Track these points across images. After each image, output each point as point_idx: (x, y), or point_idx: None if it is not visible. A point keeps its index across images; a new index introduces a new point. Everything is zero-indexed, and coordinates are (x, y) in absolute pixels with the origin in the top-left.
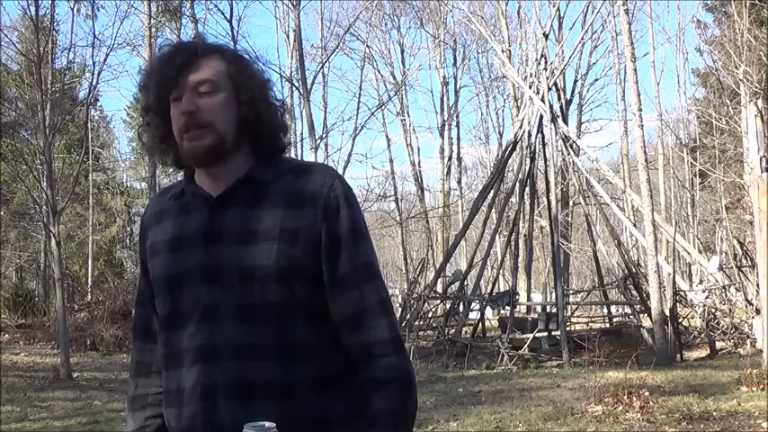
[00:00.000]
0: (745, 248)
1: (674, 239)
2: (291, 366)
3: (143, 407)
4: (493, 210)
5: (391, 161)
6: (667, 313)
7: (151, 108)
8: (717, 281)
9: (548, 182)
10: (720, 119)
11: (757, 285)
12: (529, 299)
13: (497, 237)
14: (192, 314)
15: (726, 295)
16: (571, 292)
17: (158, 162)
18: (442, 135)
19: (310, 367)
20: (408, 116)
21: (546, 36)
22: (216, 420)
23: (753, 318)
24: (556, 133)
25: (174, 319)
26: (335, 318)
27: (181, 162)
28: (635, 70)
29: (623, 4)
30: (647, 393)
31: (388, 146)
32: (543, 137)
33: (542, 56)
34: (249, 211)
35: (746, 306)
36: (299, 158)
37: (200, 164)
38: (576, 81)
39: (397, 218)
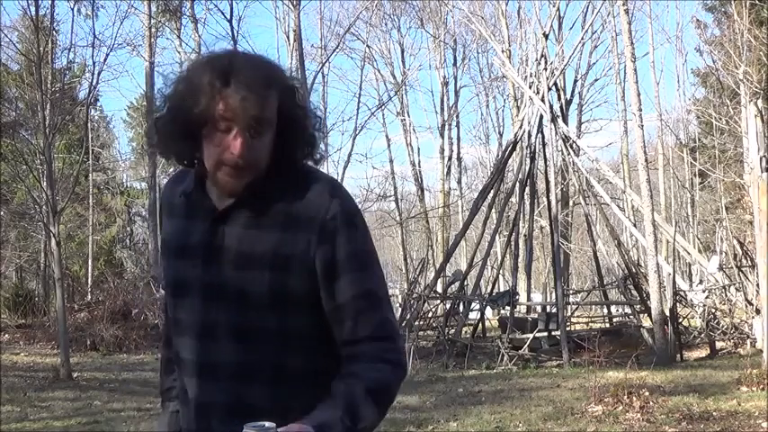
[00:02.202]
0: (745, 248)
1: (674, 239)
2: (287, 390)
3: (170, 371)
4: (493, 210)
5: (391, 161)
6: (667, 313)
7: (187, 113)
8: (717, 281)
9: (548, 182)
10: (720, 119)
11: (757, 285)
12: (529, 299)
13: (497, 237)
14: (192, 327)
15: (726, 295)
16: (571, 292)
17: (161, 156)
18: (442, 135)
19: (306, 391)
20: (408, 116)
21: (546, 36)
22: None
23: (753, 318)
24: (556, 133)
25: (178, 325)
26: (338, 340)
27: (188, 162)
28: (635, 70)
29: (623, 4)
30: (647, 393)
31: (388, 146)
32: (543, 137)
33: (542, 56)
34: (247, 231)
35: (746, 306)
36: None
37: (230, 194)
38: (575, 81)
39: (397, 218)
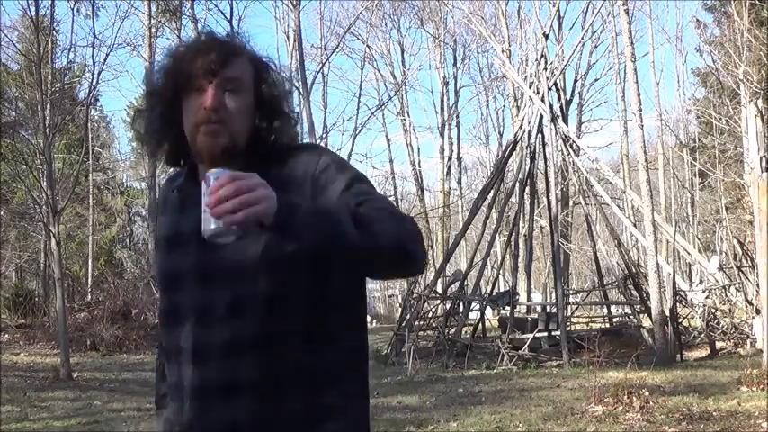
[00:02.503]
0: (745, 248)
1: (674, 239)
2: (282, 359)
3: (164, 377)
4: (493, 210)
5: (391, 161)
6: (667, 313)
7: (163, 94)
8: (717, 281)
9: (548, 182)
10: (720, 119)
11: (757, 285)
12: (529, 299)
13: (497, 237)
14: (188, 313)
15: (726, 295)
16: (571, 292)
17: (148, 153)
18: (442, 135)
19: (301, 356)
20: (408, 116)
21: (546, 36)
22: (206, 421)
23: (753, 318)
24: (556, 133)
25: (172, 316)
26: None
27: (176, 158)
28: (635, 70)
29: (623, 4)
30: (647, 393)
31: (388, 146)
32: (543, 137)
33: (542, 56)
34: None
35: (746, 306)
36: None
37: (210, 158)
38: (575, 81)
39: None
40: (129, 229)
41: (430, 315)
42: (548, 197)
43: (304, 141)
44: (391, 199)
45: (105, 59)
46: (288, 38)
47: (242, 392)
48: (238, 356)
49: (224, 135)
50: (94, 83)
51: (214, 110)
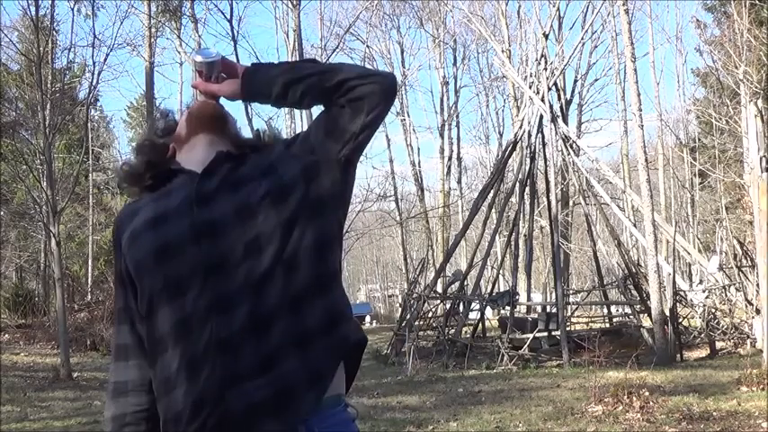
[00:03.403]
0: (745, 248)
1: (674, 239)
2: (299, 279)
3: (120, 426)
4: (493, 210)
5: (391, 161)
6: (667, 313)
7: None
8: (717, 281)
9: (548, 182)
10: (720, 119)
11: (757, 285)
12: (529, 299)
13: (497, 237)
14: (192, 276)
15: (726, 295)
16: (571, 292)
17: (123, 189)
18: (441, 135)
19: (314, 272)
20: (408, 116)
21: (546, 36)
22: (239, 369)
23: (753, 318)
24: (556, 133)
25: (170, 291)
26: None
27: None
28: (635, 70)
29: (623, 4)
30: (647, 393)
31: (389, 146)
32: (543, 137)
33: (542, 56)
34: (234, 172)
35: (746, 306)
36: None
37: (199, 122)
38: (575, 81)
39: (397, 218)
40: None
41: (430, 315)
42: (548, 197)
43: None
44: (391, 199)
45: (105, 59)
46: (288, 38)
47: (275, 319)
48: (266, 288)
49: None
50: (94, 83)
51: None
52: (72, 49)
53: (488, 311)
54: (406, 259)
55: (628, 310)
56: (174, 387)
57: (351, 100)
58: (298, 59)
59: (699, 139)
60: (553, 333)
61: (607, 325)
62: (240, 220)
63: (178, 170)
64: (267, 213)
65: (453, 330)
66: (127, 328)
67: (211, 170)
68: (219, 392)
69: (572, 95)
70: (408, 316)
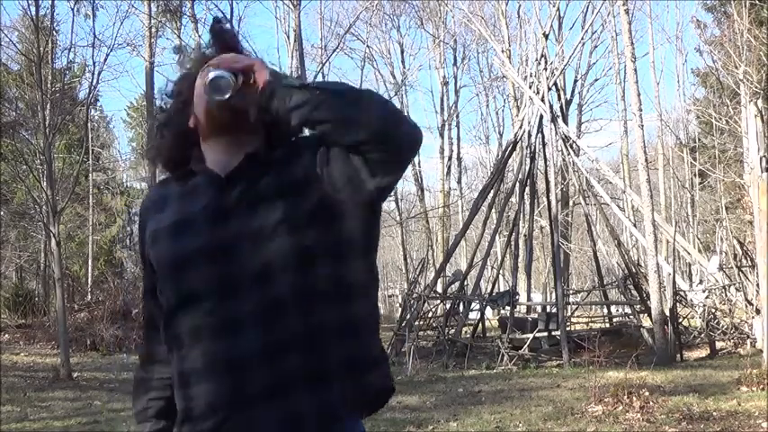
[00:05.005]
0: (745, 248)
1: (674, 239)
2: (316, 315)
3: (146, 390)
4: (493, 210)
5: None
6: (667, 313)
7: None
8: (717, 281)
9: (548, 182)
10: (720, 119)
11: (757, 285)
12: (529, 299)
13: (497, 237)
14: (208, 291)
15: (726, 295)
16: (571, 292)
17: (157, 161)
18: (441, 135)
19: (336, 313)
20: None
21: (546, 36)
22: (246, 391)
23: (753, 318)
24: (556, 133)
25: (184, 301)
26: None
27: (178, 165)
28: (635, 70)
29: (623, 4)
30: (647, 393)
31: None
32: (543, 137)
33: (542, 56)
34: (252, 187)
35: (746, 306)
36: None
37: (222, 122)
38: (575, 81)
39: (397, 218)
40: (129, 229)
41: (430, 315)
42: (548, 197)
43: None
44: (391, 199)
45: (105, 59)
46: (288, 38)
47: (287, 350)
48: (280, 317)
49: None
50: (94, 83)
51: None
52: (72, 49)
53: (488, 311)
54: (405, 259)
55: (628, 310)
56: (189, 384)
57: (368, 161)
58: (315, 82)
59: (699, 139)
60: (553, 333)
61: (607, 325)
62: (254, 243)
63: (201, 171)
64: (282, 241)
65: (453, 330)
66: (152, 302)
67: (234, 177)
68: (227, 409)
69: (572, 95)
70: (408, 316)
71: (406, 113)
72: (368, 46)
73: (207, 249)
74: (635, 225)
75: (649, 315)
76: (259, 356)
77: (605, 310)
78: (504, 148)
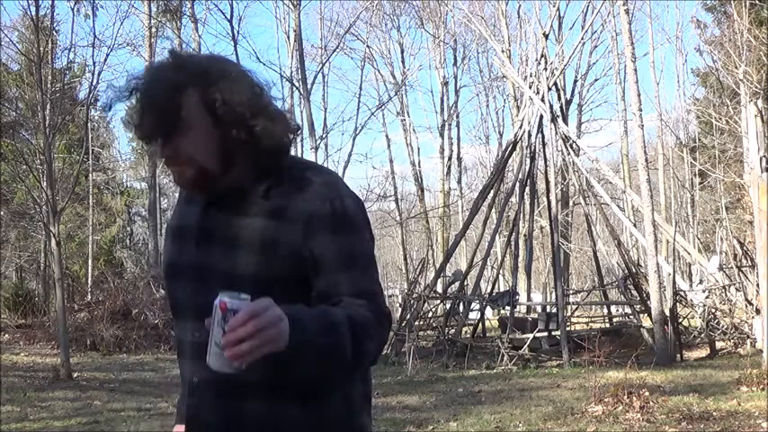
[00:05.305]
0: (745, 248)
1: (674, 239)
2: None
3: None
4: (493, 210)
5: (391, 161)
6: (667, 313)
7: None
8: (717, 281)
9: (548, 182)
10: (720, 119)
11: (757, 285)
12: (529, 299)
13: (497, 237)
14: (187, 309)
15: (726, 295)
16: (571, 292)
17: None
18: (441, 135)
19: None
20: (408, 116)
21: (546, 36)
22: (204, 418)
23: (753, 318)
24: (556, 133)
25: (175, 309)
26: (316, 292)
27: None
28: (635, 70)
29: (623, 4)
30: (647, 393)
31: (388, 146)
32: (543, 137)
33: (542, 56)
34: (236, 216)
35: (746, 306)
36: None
37: (191, 191)
38: (575, 81)
39: (397, 218)
40: (129, 229)
41: (430, 315)
42: (548, 197)
43: (325, 167)
44: (391, 199)
45: (105, 59)
46: (288, 38)
47: (243, 391)
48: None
49: (187, 171)
50: (94, 83)
51: (168, 159)
52: (72, 49)
53: (488, 311)
54: (405, 259)
55: (628, 310)
56: (183, 355)
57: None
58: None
59: (699, 139)
60: (553, 333)
61: (607, 325)
62: (224, 276)
63: None
64: (248, 278)
65: (453, 330)
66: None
67: (212, 204)
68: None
69: (572, 95)
70: (408, 316)
71: (377, 327)
72: (368, 46)
73: (191, 268)
74: (635, 225)
75: (649, 315)
76: (216, 389)
77: (605, 310)
78: (504, 148)
